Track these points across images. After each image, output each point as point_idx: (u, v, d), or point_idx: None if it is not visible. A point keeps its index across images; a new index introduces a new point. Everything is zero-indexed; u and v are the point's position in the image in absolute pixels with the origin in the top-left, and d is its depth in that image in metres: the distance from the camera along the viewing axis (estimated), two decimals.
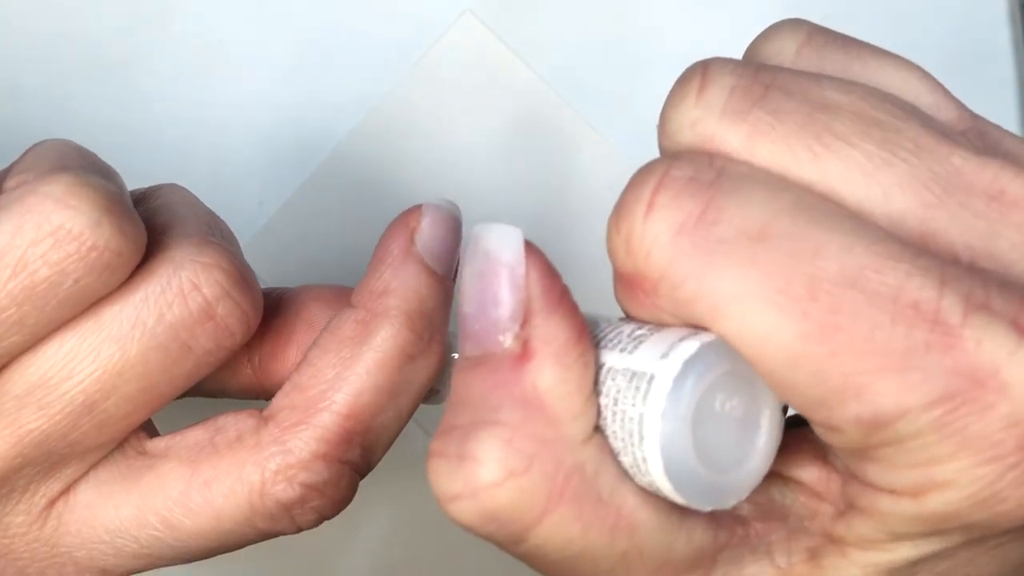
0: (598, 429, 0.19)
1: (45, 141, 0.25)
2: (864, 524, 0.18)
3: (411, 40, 0.39)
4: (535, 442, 0.18)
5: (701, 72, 0.19)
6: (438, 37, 0.39)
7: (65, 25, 0.37)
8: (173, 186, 0.27)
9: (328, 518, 0.26)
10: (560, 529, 0.18)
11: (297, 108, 0.39)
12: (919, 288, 0.16)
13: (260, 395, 0.28)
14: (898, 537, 0.18)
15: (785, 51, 0.20)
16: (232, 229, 0.38)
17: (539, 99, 0.40)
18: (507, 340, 0.19)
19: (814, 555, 0.19)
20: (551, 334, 0.19)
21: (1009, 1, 0.42)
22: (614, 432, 0.19)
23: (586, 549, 0.19)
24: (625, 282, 0.19)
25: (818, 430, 0.18)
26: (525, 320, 0.19)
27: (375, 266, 0.25)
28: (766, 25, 0.44)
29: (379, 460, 0.26)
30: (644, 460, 0.18)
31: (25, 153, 0.24)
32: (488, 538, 0.19)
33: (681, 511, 0.19)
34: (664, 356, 0.18)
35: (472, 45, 0.39)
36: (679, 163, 0.18)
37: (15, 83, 0.37)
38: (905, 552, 0.18)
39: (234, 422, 0.25)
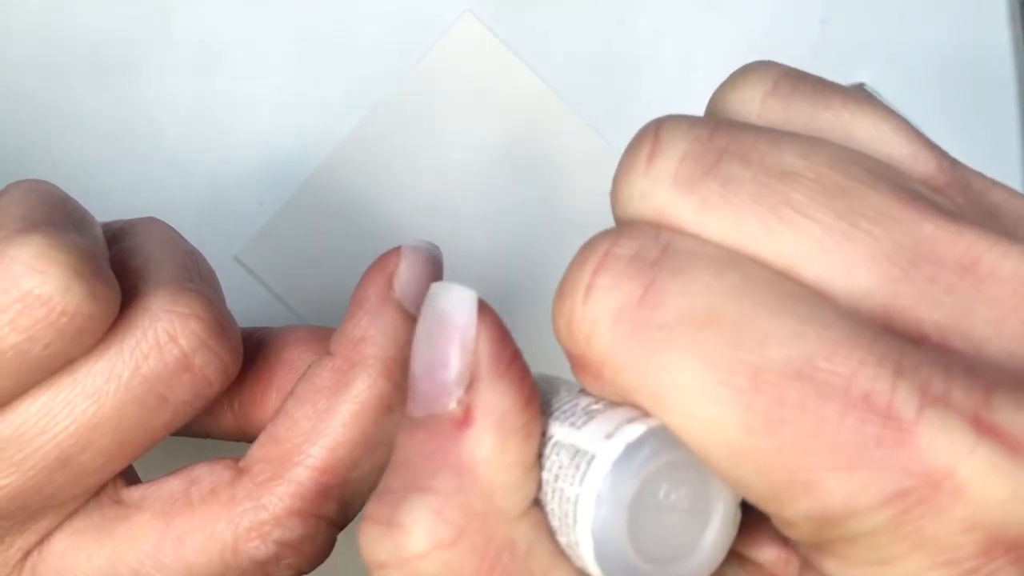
0: (538, 504, 0.18)
1: (16, 185, 0.24)
2: None
3: (411, 40, 0.39)
4: (465, 514, 0.17)
5: (653, 135, 0.18)
6: (438, 37, 0.39)
7: (65, 25, 0.37)
8: (151, 221, 0.26)
9: (304, 573, 0.25)
10: None
11: (297, 108, 0.39)
12: (872, 379, 0.15)
13: (242, 438, 0.27)
14: None
15: (750, 101, 0.19)
16: (232, 229, 0.38)
17: (539, 99, 0.40)
18: (451, 403, 0.18)
19: None
20: (494, 402, 0.18)
21: (1009, 1, 0.42)
22: (552, 510, 0.18)
23: None
24: (572, 361, 0.18)
25: (774, 519, 0.17)
26: (471, 385, 0.18)
27: (353, 312, 0.24)
28: (764, 26, 0.44)
29: (357, 512, 0.25)
30: (577, 544, 0.17)
31: None
32: None
33: None
34: (608, 436, 0.17)
35: (472, 45, 0.39)
36: (623, 239, 0.17)
37: (15, 84, 0.37)
38: None
39: (208, 474, 0.25)
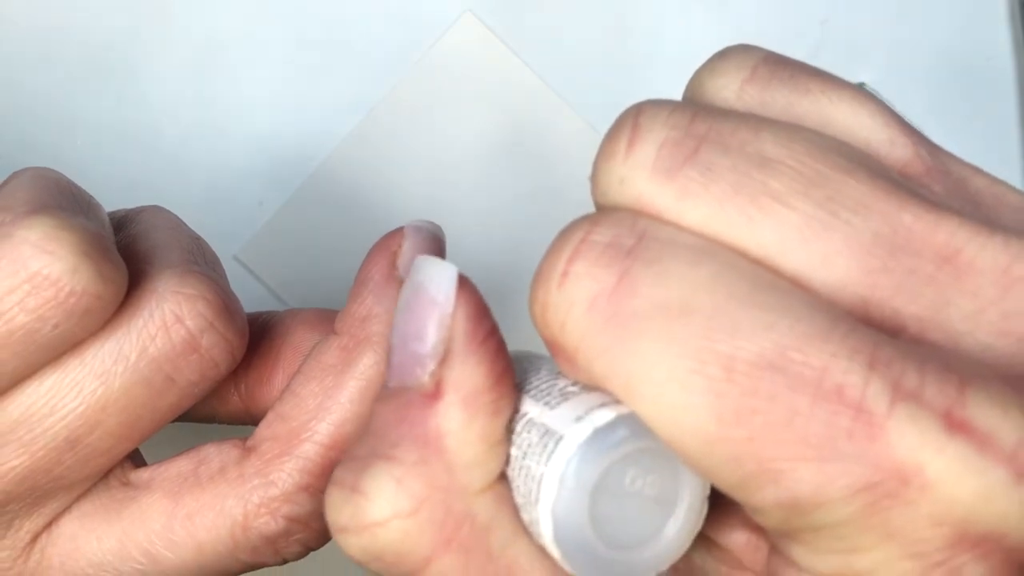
0: (504, 479, 0.18)
1: (23, 172, 0.24)
2: None
3: (411, 40, 0.39)
4: (426, 485, 0.18)
5: (632, 122, 0.18)
6: (438, 37, 0.39)
7: (66, 25, 0.37)
8: (155, 208, 0.27)
9: (314, 549, 0.25)
10: None
11: (297, 108, 0.39)
12: (844, 372, 0.15)
13: (248, 420, 0.27)
14: None
15: (728, 87, 0.19)
16: (232, 229, 0.38)
17: (539, 99, 0.40)
18: (423, 376, 0.18)
19: None
20: (463, 378, 0.18)
21: (1009, 1, 0.42)
22: (518, 487, 0.18)
23: None
24: (548, 346, 0.18)
25: (744, 506, 0.17)
26: (443, 359, 0.18)
27: (357, 291, 0.25)
28: (764, 26, 0.44)
29: None
30: (537, 522, 0.18)
31: (2, 185, 0.24)
32: (377, 574, 0.18)
33: None
34: (579, 419, 0.17)
35: (472, 45, 0.39)
36: (599, 227, 0.17)
37: (16, 83, 0.37)
38: None
39: (217, 453, 0.25)
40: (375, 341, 0.24)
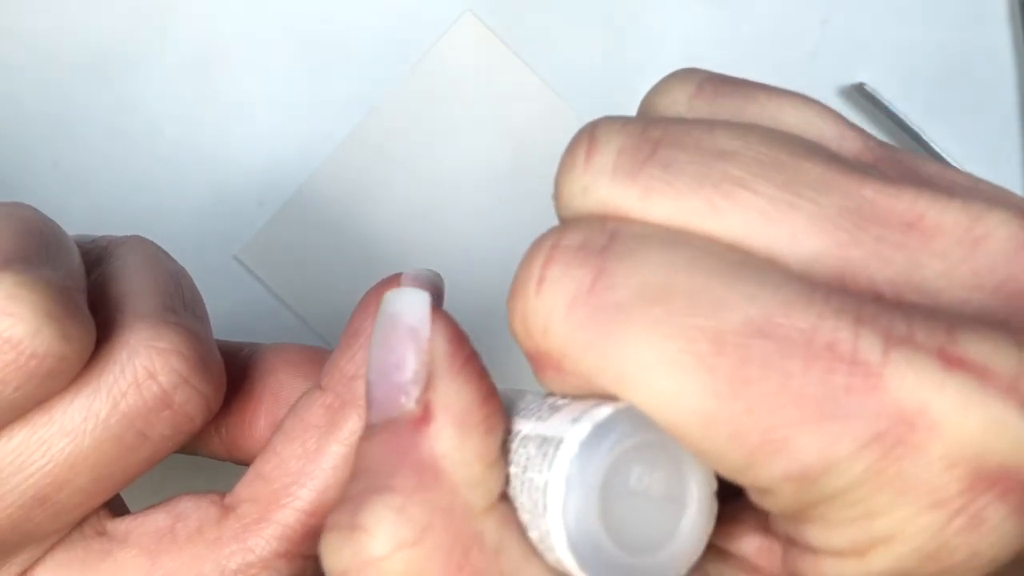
0: (506, 500, 0.18)
1: None
2: None
3: (411, 40, 0.39)
4: (428, 510, 0.17)
5: (588, 136, 0.18)
6: (438, 37, 0.39)
7: (65, 25, 0.37)
8: (135, 241, 0.26)
9: None
10: None
11: (297, 108, 0.39)
12: (833, 329, 0.15)
13: (230, 460, 0.27)
14: None
15: (678, 102, 0.19)
16: (232, 229, 0.38)
17: (539, 99, 0.40)
18: (409, 403, 0.18)
19: None
20: (452, 397, 0.18)
21: (1009, 1, 0.42)
22: (522, 504, 0.18)
23: None
24: (532, 360, 0.18)
25: (752, 495, 0.17)
26: (428, 383, 0.18)
27: (347, 344, 0.24)
28: (764, 26, 0.44)
29: None
30: (548, 534, 0.17)
31: None
32: None
33: None
34: (576, 421, 0.17)
35: (472, 45, 0.39)
36: (569, 232, 0.17)
37: (16, 83, 0.37)
38: None
39: (195, 509, 0.24)
40: (361, 404, 0.23)
